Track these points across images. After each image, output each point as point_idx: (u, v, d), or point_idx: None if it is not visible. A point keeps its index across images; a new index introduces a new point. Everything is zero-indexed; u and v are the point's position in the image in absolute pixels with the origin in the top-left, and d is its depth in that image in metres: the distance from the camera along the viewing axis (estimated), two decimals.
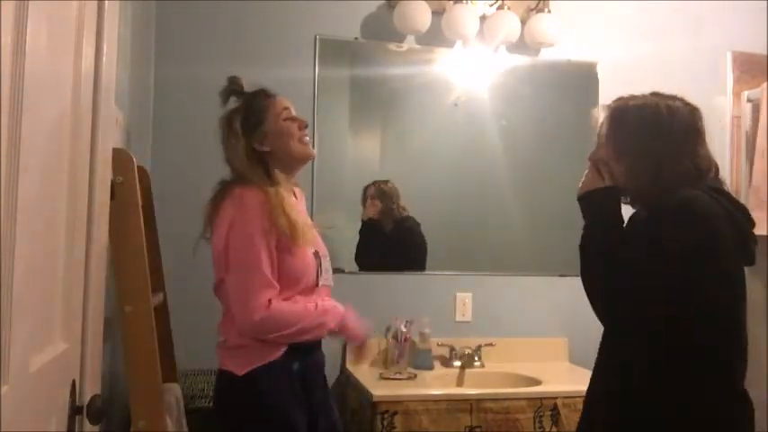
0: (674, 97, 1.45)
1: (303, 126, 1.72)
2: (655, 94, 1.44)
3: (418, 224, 2.68)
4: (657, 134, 1.38)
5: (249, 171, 1.65)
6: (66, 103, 1.05)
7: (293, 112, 1.74)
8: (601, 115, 1.46)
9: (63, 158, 1.05)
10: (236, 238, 1.59)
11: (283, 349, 1.61)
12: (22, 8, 0.81)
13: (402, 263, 2.70)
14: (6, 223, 0.79)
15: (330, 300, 1.72)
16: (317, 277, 1.67)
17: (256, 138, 1.68)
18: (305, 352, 1.66)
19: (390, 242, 2.68)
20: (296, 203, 1.70)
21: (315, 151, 1.83)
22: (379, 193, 2.62)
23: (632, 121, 1.42)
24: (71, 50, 1.07)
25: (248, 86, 1.81)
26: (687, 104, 1.43)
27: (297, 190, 1.81)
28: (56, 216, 1.03)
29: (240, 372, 1.60)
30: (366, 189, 2.62)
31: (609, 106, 1.47)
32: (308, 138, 1.74)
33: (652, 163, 1.36)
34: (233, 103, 1.78)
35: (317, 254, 1.69)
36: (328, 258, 1.77)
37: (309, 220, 1.78)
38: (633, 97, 1.45)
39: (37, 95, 0.87)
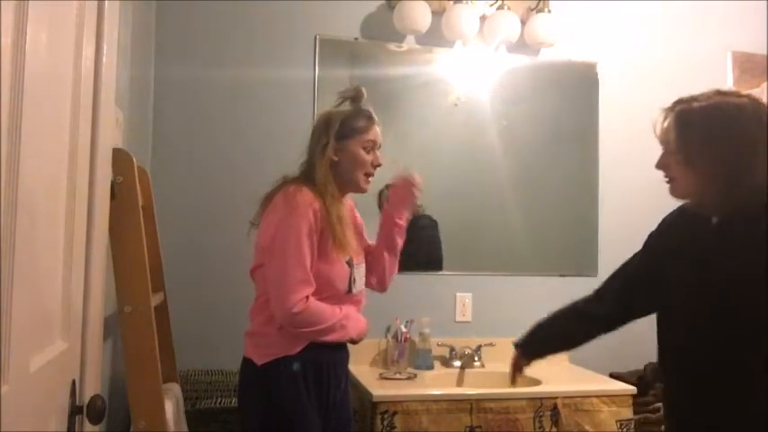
0: (737, 93, 1.36)
1: (375, 165, 1.76)
2: (718, 93, 1.33)
3: (435, 223, 2.68)
4: (729, 136, 1.28)
5: (320, 167, 1.69)
6: (66, 103, 1.05)
7: (378, 146, 1.77)
8: (660, 119, 1.36)
9: (63, 158, 1.05)
10: (283, 230, 1.62)
11: (304, 344, 1.63)
12: (22, 8, 0.81)
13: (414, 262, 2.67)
14: (6, 223, 0.79)
15: (353, 309, 1.73)
16: (351, 285, 1.71)
17: (336, 146, 1.71)
18: (328, 349, 1.67)
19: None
20: (347, 213, 1.74)
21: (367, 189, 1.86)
22: None
23: (700, 125, 1.31)
24: (71, 50, 1.07)
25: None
26: (751, 99, 1.33)
27: (346, 198, 1.84)
28: (56, 216, 1.03)
29: (259, 362, 1.64)
30: (380, 193, 2.57)
31: (671, 110, 1.35)
32: (372, 178, 1.78)
33: (728, 168, 1.28)
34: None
35: (350, 262, 1.70)
36: (363, 265, 1.79)
37: (353, 227, 1.78)
38: (696, 98, 1.34)
39: (37, 95, 0.87)
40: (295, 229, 1.60)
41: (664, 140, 1.35)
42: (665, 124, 1.34)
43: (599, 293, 1.62)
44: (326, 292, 1.65)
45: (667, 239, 1.47)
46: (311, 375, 1.64)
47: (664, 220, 1.50)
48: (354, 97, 1.78)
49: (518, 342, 1.73)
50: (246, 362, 1.68)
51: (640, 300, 1.51)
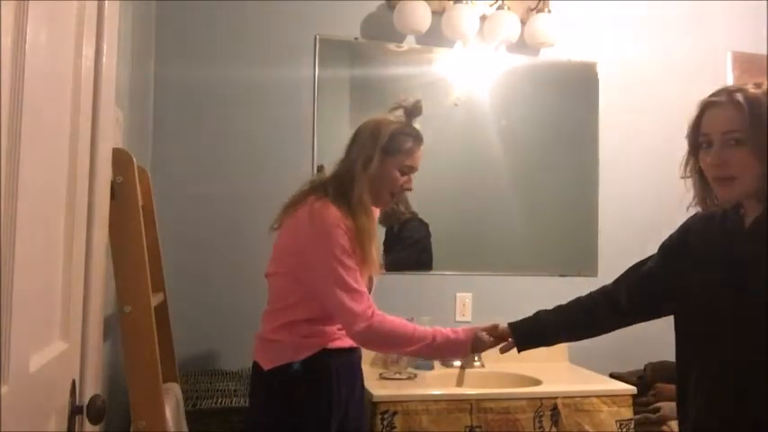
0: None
1: (404, 189, 1.70)
2: (756, 84, 1.25)
3: (425, 224, 2.68)
4: None
5: (360, 182, 1.61)
6: (66, 103, 1.05)
7: (415, 170, 1.70)
8: (711, 110, 1.27)
9: (63, 158, 1.05)
10: (322, 252, 1.57)
11: (310, 351, 1.61)
12: (22, 8, 0.81)
13: (404, 262, 2.69)
14: (6, 223, 0.79)
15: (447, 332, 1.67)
16: None
17: (375, 158, 1.63)
18: (336, 353, 1.65)
19: (397, 242, 2.67)
20: (375, 227, 1.69)
21: (386, 207, 1.82)
22: None
23: None
24: (71, 50, 1.07)
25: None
26: None
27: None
28: (56, 216, 1.03)
29: (265, 366, 1.63)
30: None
31: (734, 100, 1.23)
32: (396, 200, 1.75)
33: None
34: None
35: (371, 278, 1.69)
36: (376, 279, 1.77)
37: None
38: (758, 85, 1.24)
39: (37, 95, 0.86)
40: (339, 248, 1.55)
41: (724, 131, 1.24)
42: (726, 113, 1.24)
43: (607, 292, 1.58)
44: None
45: (696, 243, 1.39)
46: (318, 381, 1.61)
47: (688, 225, 1.43)
48: (412, 111, 1.70)
49: (515, 324, 1.67)
50: (255, 365, 1.68)
51: (656, 301, 1.47)
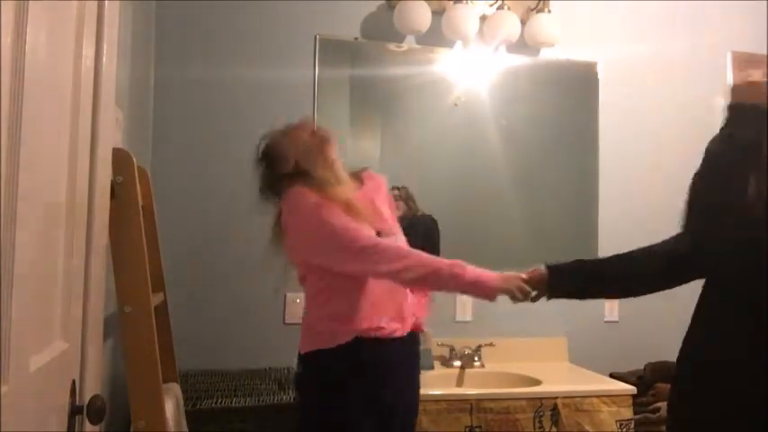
0: None
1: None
2: None
3: (434, 221, 2.68)
4: None
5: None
6: (66, 103, 1.05)
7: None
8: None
9: (63, 158, 1.05)
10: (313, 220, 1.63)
11: (347, 339, 1.62)
12: (22, 8, 0.81)
13: None
14: (6, 223, 0.79)
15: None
16: None
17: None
18: (378, 345, 1.64)
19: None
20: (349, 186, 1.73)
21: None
22: (405, 195, 2.64)
23: None
24: (71, 50, 1.07)
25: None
26: None
27: (365, 175, 1.85)
28: (56, 216, 1.03)
29: (303, 350, 1.68)
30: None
31: None
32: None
33: None
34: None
35: (379, 233, 1.69)
36: (399, 237, 1.76)
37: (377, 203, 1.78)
38: None
39: (37, 95, 0.86)
40: (316, 215, 1.61)
41: None
42: None
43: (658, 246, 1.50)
44: None
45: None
46: (351, 375, 1.62)
47: None
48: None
49: (552, 265, 1.62)
50: (299, 350, 1.72)
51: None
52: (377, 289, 1.64)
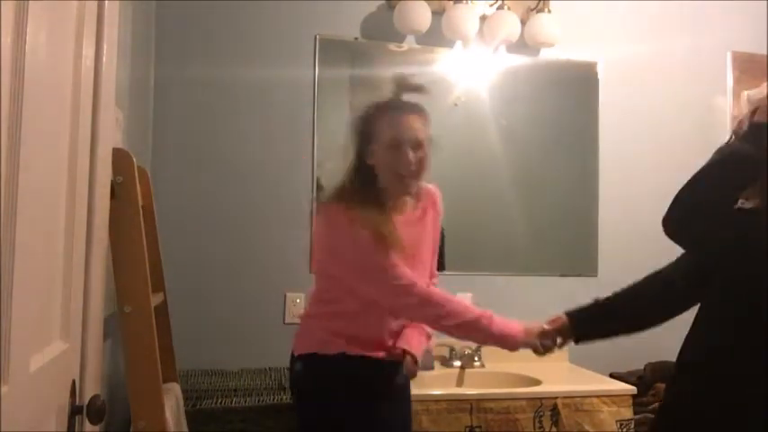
0: None
1: (407, 164, 1.74)
2: None
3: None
4: None
5: (357, 172, 1.68)
6: (66, 103, 1.05)
7: (409, 141, 1.72)
8: None
9: (63, 158, 1.05)
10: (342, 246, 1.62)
11: (335, 351, 1.61)
12: (22, 8, 0.81)
13: None
14: (6, 223, 0.79)
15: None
16: None
17: (359, 147, 1.68)
18: (364, 362, 1.63)
19: None
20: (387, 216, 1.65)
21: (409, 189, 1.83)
22: None
23: None
24: (71, 50, 1.07)
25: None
26: None
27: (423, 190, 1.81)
28: (56, 216, 1.03)
29: (296, 352, 1.68)
30: None
31: None
32: (412, 178, 1.76)
33: None
34: None
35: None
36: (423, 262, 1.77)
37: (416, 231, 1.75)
38: None
39: (37, 95, 0.87)
40: (356, 245, 1.58)
41: None
42: None
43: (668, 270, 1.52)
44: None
45: None
46: (343, 386, 1.62)
47: None
48: (398, 85, 1.70)
49: (572, 313, 1.64)
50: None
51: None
52: (378, 314, 1.65)
